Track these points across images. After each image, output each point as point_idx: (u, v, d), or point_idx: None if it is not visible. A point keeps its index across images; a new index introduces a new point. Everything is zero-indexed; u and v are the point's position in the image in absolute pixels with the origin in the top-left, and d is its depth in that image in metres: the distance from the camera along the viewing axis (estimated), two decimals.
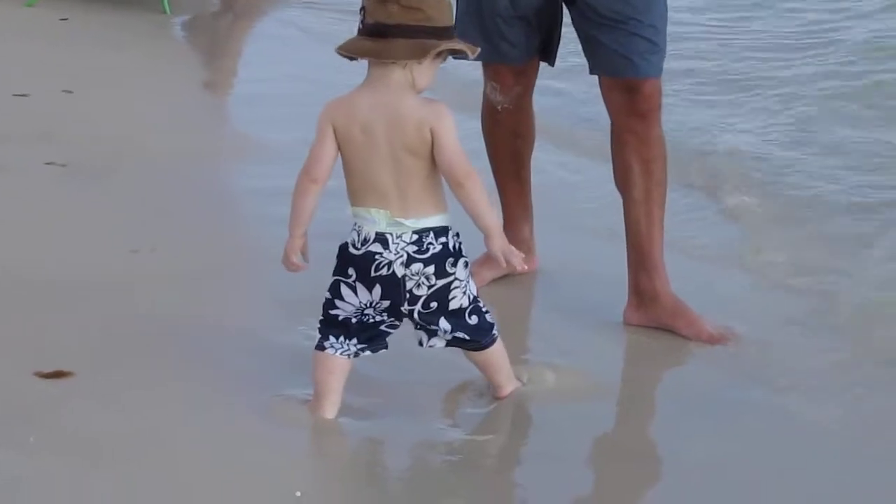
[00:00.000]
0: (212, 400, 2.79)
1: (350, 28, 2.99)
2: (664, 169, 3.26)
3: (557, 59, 3.38)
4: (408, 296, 2.61)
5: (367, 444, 2.73)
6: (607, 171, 3.38)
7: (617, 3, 3.13)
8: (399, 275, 2.59)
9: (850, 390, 2.95)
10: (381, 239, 2.57)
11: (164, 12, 6.26)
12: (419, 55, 2.53)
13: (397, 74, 2.55)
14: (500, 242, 2.63)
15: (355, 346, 2.67)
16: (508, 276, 3.31)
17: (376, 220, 2.59)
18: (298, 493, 2.48)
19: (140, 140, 4.61)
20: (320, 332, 2.69)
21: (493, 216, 2.65)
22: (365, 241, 2.58)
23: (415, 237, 2.58)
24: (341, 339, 2.67)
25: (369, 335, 2.68)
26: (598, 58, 3.20)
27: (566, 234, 3.91)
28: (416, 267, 2.59)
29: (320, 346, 2.68)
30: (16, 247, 3.62)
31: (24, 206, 3.91)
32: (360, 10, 2.57)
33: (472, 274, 2.70)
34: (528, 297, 3.52)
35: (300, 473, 2.59)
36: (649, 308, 3.25)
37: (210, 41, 6.56)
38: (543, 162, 4.13)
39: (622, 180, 3.26)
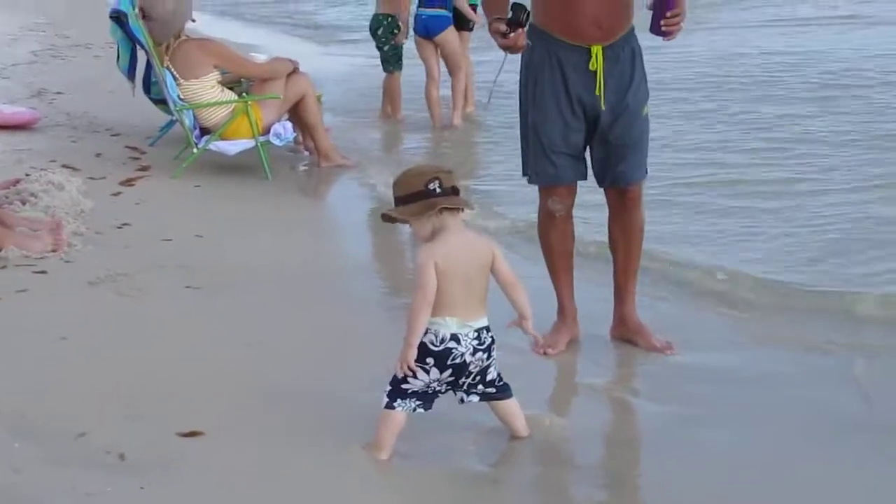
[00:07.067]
0: (300, 448, 3.37)
1: None
2: (641, 239, 4.21)
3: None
4: (467, 373, 3.31)
5: (415, 477, 3.29)
6: None
7: (631, 132, 4.02)
8: (467, 361, 3.27)
9: None
10: (455, 338, 3.23)
11: (266, 178, 7.04)
12: (469, 203, 3.40)
13: (459, 218, 3.32)
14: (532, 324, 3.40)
15: (414, 404, 3.31)
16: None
17: (449, 324, 3.23)
18: None
19: (253, 266, 5.25)
20: (389, 396, 3.28)
21: (529, 306, 3.40)
22: (443, 340, 3.23)
23: (475, 334, 3.27)
24: (407, 401, 3.30)
25: (426, 398, 3.33)
26: (604, 173, 4.11)
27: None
28: (479, 355, 3.29)
29: (390, 406, 3.29)
30: (164, 345, 4.20)
31: (169, 316, 4.53)
32: (432, 179, 3.23)
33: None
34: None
35: (367, 498, 3.18)
36: (621, 326, 4.20)
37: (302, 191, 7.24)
38: None
39: (612, 246, 4.24)
